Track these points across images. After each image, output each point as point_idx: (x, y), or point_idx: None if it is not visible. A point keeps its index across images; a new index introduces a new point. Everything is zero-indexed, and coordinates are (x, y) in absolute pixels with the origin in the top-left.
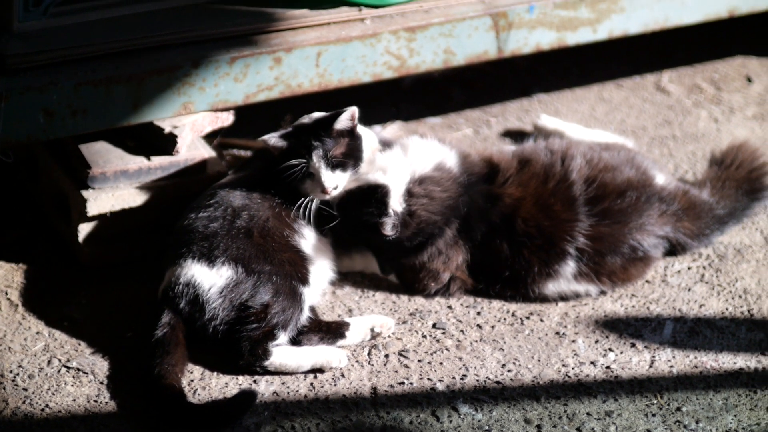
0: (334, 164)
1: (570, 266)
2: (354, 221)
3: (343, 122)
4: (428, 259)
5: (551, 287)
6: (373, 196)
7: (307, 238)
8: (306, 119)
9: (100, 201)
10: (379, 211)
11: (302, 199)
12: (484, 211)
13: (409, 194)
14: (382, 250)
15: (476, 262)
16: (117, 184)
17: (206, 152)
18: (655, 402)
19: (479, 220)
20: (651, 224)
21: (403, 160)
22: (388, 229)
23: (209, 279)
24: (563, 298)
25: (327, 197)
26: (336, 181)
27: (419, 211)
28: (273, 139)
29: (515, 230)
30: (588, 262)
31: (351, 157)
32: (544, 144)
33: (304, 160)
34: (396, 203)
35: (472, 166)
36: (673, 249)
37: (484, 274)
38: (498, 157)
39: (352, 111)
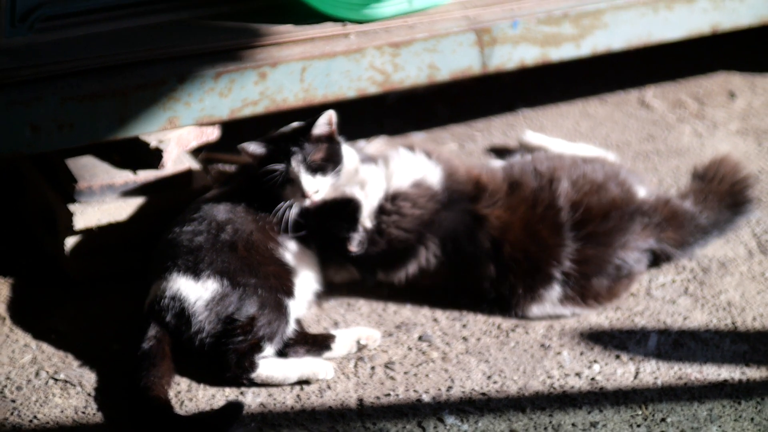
0: (314, 168)
1: (556, 290)
2: (326, 233)
3: (321, 127)
4: (407, 276)
5: (536, 310)
6: (344, 210)
7: (291, 251)
8: (285, 128)
9: (87, 215)
10: (348, 227)
11: (281, 203)
12: (468, 231)
13: (381, 211)
14: (357, 263)
15: (460, 281)
16: (103, 198)
17: (192, 166)
18: (640, 413)
19: (463, 239)
20: (635, 240)
21: (382, 174)
22: (354, 245)
23: (195, 292)
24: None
25: (308, 202)
26: (317, 186)
27: (389, 228)
28: (252, 146)
29: (502, 254)
30: (574, 285)
31: (330, 161)
32: (531, 164)
33: (282, 165)
34: (366, 219)
35: (458, 184)
36: (658, 259)
37: (467, 294)
38: (487, 178)
39: (329, 114)
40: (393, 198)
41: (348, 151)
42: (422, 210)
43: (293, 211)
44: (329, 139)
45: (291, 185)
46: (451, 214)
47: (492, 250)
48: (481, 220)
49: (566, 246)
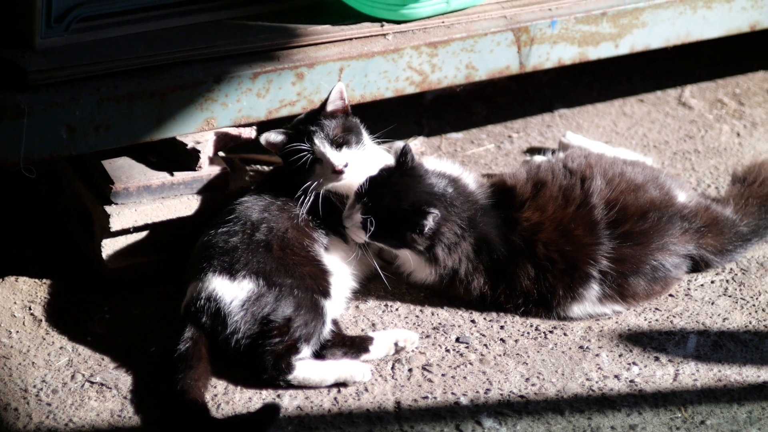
0: (338, 143)
1: (594, 289)
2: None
3: (334, 102)
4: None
5: (576, 310)
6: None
7: (328, 247)
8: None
9: (123, 216)
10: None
11: (309, 183)
12: (502, 234)
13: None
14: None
15: (497, 284)
16: (140, 200)
17: (229, 167)
18: (680, 415)
19: (498, 243)
20: (673, 243)
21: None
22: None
23: (231, 292)
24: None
25: (342, 177)
26: (345, 159)
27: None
28: (271, 135)
29: (536, 255)
30: (612, 284)
31: (352, 133)
32: (561, 162)
33: (306, 146)
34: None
35: (485, 189)
36: (697, 266)
37: (506, 296)
38: (512, 181)
39: (340, 88)
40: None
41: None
42: (464, 208)
43: (323, 189)
44: (345, 113)
45: (320, 164)
46: (484, 218)
47: (525, 250)
48: (513, 222)
49: (602, 244)
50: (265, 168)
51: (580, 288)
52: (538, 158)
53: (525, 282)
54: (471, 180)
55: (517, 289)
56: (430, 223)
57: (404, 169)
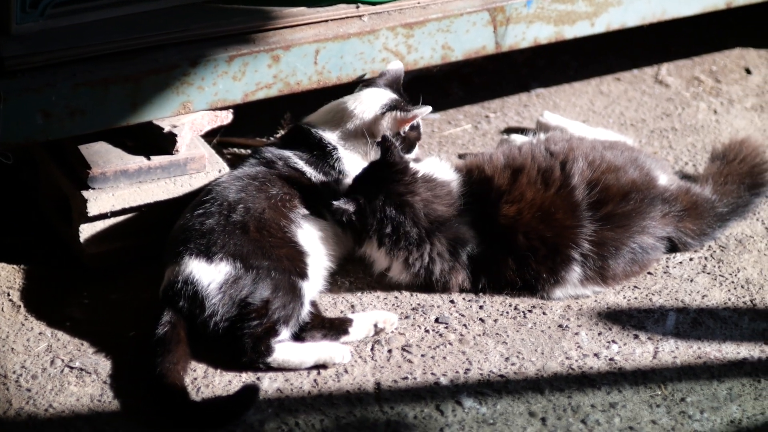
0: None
1: (576, 272)
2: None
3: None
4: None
5: (558, 293)
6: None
7: (305, 229)
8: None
9: (101, 201)
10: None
11: None
12: (479, 232)
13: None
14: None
15: (478, 279)
16: (117, 184)
17: (206, 151)
18: (659, 393)
19: (474, 242)
20: (653, 226)
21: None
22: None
23: (208, 275)
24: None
25: None
26: None
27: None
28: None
29: (518, 246)
30: (593, 266)
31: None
32: (543, 143)
33: None
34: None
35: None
36: (675, 247)
37: (490, 287)
38: (490, 170)
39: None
40: (432, 182)
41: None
42: (446, 210)
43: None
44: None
45: None
46: (459, 218)
47: (506, 244)
48: (490, 218)
49: (584, 227)
50: (243, 151)
51: (563, 271)
52: (519, 138)
53: (508, 273)
54: (453, 180)
55: (500, 281)
56: (340, 214)
57: (384, 165)
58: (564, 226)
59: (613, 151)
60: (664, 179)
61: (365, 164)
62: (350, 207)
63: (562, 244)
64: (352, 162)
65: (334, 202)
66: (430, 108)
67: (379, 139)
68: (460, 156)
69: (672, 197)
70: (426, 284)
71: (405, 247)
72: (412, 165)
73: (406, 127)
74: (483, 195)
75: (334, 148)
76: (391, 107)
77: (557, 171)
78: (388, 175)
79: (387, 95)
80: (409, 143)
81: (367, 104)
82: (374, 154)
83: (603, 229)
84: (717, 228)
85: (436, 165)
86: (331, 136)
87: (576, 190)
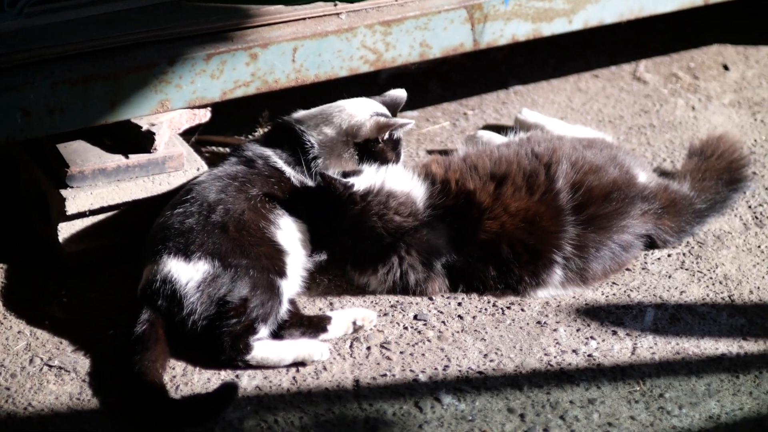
0: None
1: (557, 274)
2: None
3: None
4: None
5: (540, 294)
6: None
7: (284, 229)
8: None
9: (79, 199)
10: None
11: None
12: (457, 244)
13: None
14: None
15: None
16: (95, 183)
17: (184, 149)
18: (638, 389)
19: (450, 253)
20: (633, 225)
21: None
22: None
23: (186, 274)
24: None
25: None
26: None
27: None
28: None
29: (501, 256)
30: (574, 267)
31: None
32: (528, 145)
33: None
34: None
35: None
36: (653, 243)
37: (471, 289)
38: (473, 181)
39: None
40: (383, 194)
41: None
42: (404, 219)
43: None
44: None
45: None
46: (435, 231)
47: (489, 255)
48: (471, 232)
49: (567, 231)
50: (221, 149)
51: (544, 274)
52: (494, 139)
53: (489, 282)
54: (414, 188)
55: (481, 287)
56: (317, 264)
57: (331, 198)
58: (548, 231)
59: (593, 149)
60: (643, 177)
61: (342, 169)
62: (323, 256)
63: (545, 249)
64: (330, 165)
65: (314, 256)
66: (413, 122)
67: (358, 141)
68: (429, 152)
69: (651, 195)
70: (404, 291)
71: (373, 264)
72: (357, 185)
73: (386, 135)
74: (463, 210)
75: (312, 147)
76: (378, 114)
77: (542, 175)
78: (338, 205)
79: (380, 107)
80: (382, 160)
81: (358, 108)
82: (351, 160)
83: (585, 232)
84: (695, 224)
85: (393, 175)
86: (314, 135)
87: (561, 194)
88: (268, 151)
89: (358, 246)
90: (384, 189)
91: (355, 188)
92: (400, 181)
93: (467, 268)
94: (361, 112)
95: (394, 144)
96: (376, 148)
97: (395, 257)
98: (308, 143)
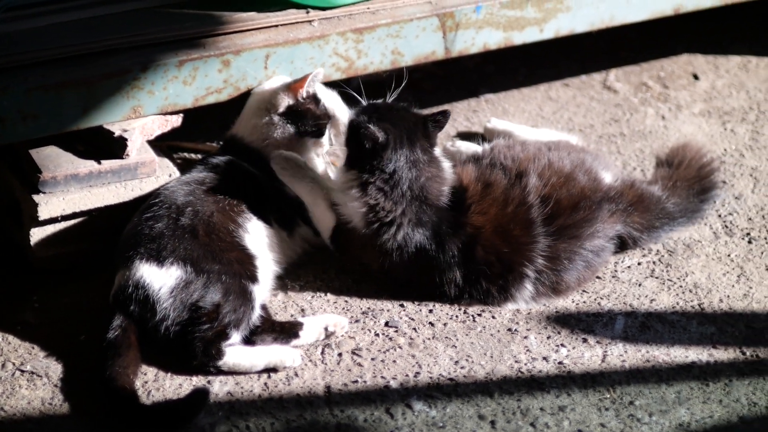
0: None
1: (528, 289)
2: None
3: None
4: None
5: (510, 307)
6: None
7: (252, 233)
8: None
9: (51, 205)
10: None
11: None
12: (440, 237)
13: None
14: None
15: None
16: (68, 188)
17: (156, 156)
18: (608, 396)
19: (431, 244)
20: (603, 228)
21: None
22: None
23: (159, 279)
24: None
25: None
26: None
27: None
28: None
29: (475, 258)
30: (545, 280)
31: None
32: (500, 158)
33: None
34: None
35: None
36: (624, 244)
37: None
38: (467, 180)
39: None
40: None
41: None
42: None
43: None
44: None
45: None
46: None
47: (461, 255)
48: (458, 227)
49: (538, 243)
50: (193, 156)
51: (514, 289)
52: (468, 148)
53: (453, 286)
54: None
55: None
56: (364, 137)
57: (420, 121)
58: (520, 242)
59: (559, 152)
60: (609, 177)
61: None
62: (380, 136)
63: (516, 262)
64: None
65: (369, 125)
66: (322, 70)
67: (282, 111)
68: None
69: (617, 194)
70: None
71: (384, 207)
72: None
73: (303, 93)
74: (456, 203)
75: (254, 147)
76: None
77: (517, 189)
78: (419, 131)
79: (287, 79)
80: (313, 118)
81: (265, 86)
82: (288, 135)
83: (557, 243)
84: (665, 225)
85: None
86: (246, 135)
87: (532, 209)
88: (231, 157)
89: (401, 174)
90: (441, 160)
91: None
92: (447, 165)
93: (438, 267)
94: (268, 86)
95: (316, 100)
96: (302, 109)
97: (405, 218)
98: (250, 145)
